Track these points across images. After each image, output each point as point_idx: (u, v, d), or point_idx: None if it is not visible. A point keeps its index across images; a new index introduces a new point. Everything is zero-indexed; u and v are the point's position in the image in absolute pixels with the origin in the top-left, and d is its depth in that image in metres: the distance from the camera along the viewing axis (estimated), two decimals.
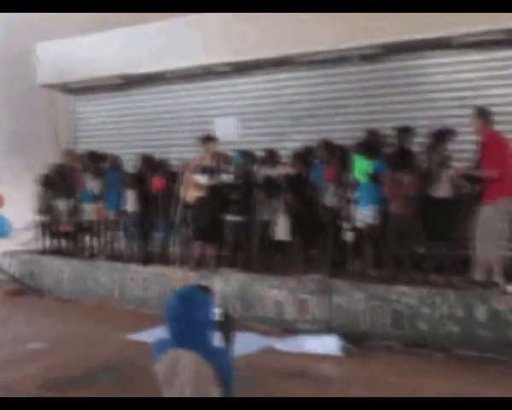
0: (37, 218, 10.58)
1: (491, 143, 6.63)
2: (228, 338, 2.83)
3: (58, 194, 10.29)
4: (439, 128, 7.53)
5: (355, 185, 7.58)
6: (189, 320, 2.60)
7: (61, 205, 10.20)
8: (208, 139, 8.68)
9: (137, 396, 5.05)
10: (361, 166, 7.45)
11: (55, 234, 10.58)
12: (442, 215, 7.12)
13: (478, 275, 6.73)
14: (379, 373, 5.93)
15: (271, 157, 8.62)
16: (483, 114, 6.76)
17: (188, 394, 2.58)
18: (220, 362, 2.60)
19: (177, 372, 2.61)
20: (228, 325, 2.84)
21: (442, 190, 7.14)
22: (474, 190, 6.95)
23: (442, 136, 7.35)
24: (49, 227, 10.56)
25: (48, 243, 10.69)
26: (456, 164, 7.27)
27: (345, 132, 8.94)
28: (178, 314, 2.62)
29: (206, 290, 2.80)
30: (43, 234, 10.66)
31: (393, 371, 6.00)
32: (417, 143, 7.78)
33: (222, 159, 8.67)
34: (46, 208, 10.46)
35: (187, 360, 2.59)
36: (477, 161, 6.85)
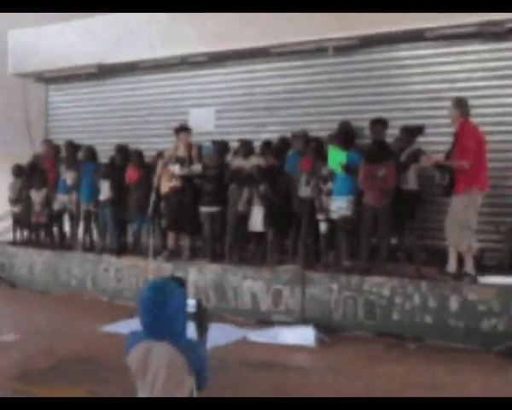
0: (10, 208, 10.47)
1: (465, 134, 6.65)
2: (202, 330, 2.82)
3: (31, 184, 10.17)
4: (407, 125, 7.62)
5: (330, 176, 7.60)
6: (161, 312, 2.58)
7: (35, 196, 10.08)
8: (181, 129, 8.62)
9: (109, 388, 5.03)
10: (335, 157, 7.47)
11: (27, 225, 10.47)
12: (412, 207, 7.22)
13: (450, 266, 6.79)
14: (349, 363, 5.99)
15: (245, 148, 8.59)
16: (460, 104, 6.78)
17: (159, 385, 2.57)
18: (193, 354, 2.60)
19: (149, 363, 2.59)
20: (202, 317, 2.83)
21: (410, 183, 7.25)
22: (443, 180, 6.98)
23: (411, 132, 7.44)
24: (20, 218, 10.44)
25: (20, 233, 10.58)
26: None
27: (320, 123, 8.95)
28: (151, 306, 2.60)
29: (179, 282, 2.78)
30: (15, 225, 10.54)
31: (364, 361, 6.06)
32: (392, 136, 7.84)
33: (193, 149, 8.61)
34: (17, 199, 10.34)
35: (159, 351, 2.58)
36: (449, 151, 6.89)
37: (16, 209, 10.43)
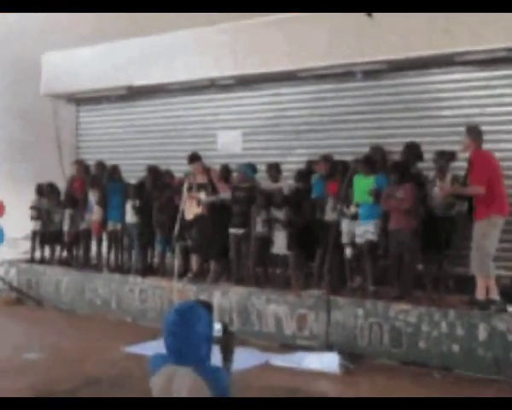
0: (36, 227, 10.58)
1: (477, 161, 6.65)
2: (227, 355, 2.78)
3: (58, 204, 10.29)
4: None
5: (353, 202, 7.56)
6: (186, 336, 2.56)
7: (61, 215, 10.20)
8: (193, 159, 8.58)
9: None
10: (363, 186, 7.41)
11: (48, 243, 10.59)
12: (445, 234, 7.15)
13: (479, 293, 6.68)
14: (374, 393, 5.82)
15: (274, 171, 8.58)
16: (473, 132, 6.78)
17: None
18: (216, 381, 2.56)
19: (171, 390, 2.57)
20: (228, 342, 2.80)
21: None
22: (462, 207, 7.00)
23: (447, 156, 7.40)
24: (43, 236, 10.56)
25: (47, 252, 10.67)
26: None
27: (347, 147, 8.93)
28: (176, 330, 2.58)
29: (206, 306, 2.76)
30: (38, 243, 10.68)
31: (389, 391, 5.88)
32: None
33: (212, 173, 8.60)
34: (38, 217, 10.52)
35: (182, 376, 2.55)
36: (465, 178, 6.88)
37: (37, 228, 10.57)
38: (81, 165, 10.72)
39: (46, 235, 10.53)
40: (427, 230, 7.16)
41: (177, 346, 2.58)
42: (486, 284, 6.63)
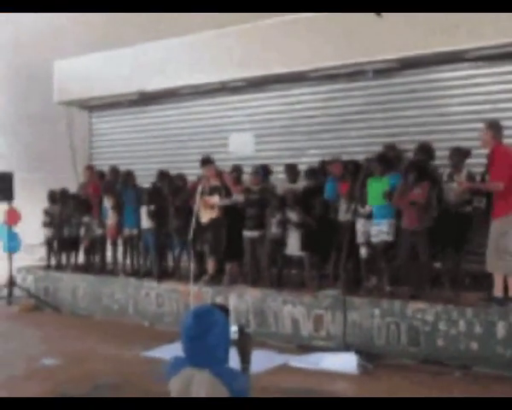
0: (49, 233, 10.64)
1: (497, 156, 6.56)
2: (244, 357, 2.79)
3: (72, 210, 10.35)
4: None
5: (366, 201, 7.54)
6: (204, 340, 2.57)
7: (75, 221, 10.27)
8: (205, 162, 8.62)
9: None
10: (377, 188, 7.39)
11: (64, 249, 10.64)
12: (461, 231, 7.10)
13: (497, 290, 6.62)
14: (394, 393, 5.78)
15: (291, 172, 8.60)
16: (493, 127, 6.70)
17: None
18: (235, 383, 2.57)
19: (190, 392, 2.58)
20: (244, 343, 2.80)
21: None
22: (480, 202, 6.93)
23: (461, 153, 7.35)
24: (58, 243, 10.63)
25: (63, 258, 10.73)
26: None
27: (360, 147, 8.91)
28: (194, 334, 2.59)
29: (222, 309, 2.76)
30: (52, 249, 10.75)
31: (409, 390, 5.86)
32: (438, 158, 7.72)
33: (225, 176, 8.62)
34: (51, 223, 10.59)
35: (201, 379, 2.56)
36: (484, 174, 6.81)
37: (50, 234, 10.64)
38: (92, 170, 10.78)
39: (60, 241, 10.60)
40: (443, 227, 7.09)
41: (194, 349, 2.59)
42: (505, 280, 6.57)
